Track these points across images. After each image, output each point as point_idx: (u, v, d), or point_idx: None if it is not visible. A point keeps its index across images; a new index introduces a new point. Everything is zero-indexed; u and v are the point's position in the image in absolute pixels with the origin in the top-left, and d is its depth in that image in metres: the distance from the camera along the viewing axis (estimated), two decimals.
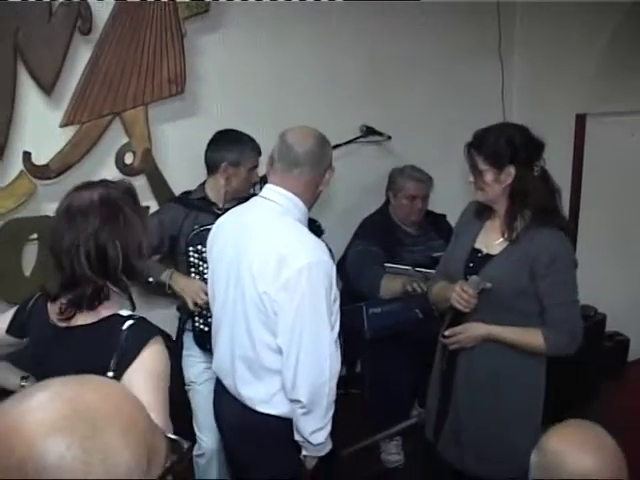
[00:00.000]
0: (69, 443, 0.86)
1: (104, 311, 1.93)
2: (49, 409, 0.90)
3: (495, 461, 2.71)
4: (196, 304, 3.24)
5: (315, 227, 3.45)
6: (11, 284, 3.56)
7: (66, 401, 0.91)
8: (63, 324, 1.97)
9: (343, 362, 3.49)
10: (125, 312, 1.92)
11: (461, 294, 2.65)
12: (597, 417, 4.09)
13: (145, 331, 1.86)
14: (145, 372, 1.80)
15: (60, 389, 0.94)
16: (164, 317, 3.77)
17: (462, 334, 2.71)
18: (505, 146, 2.59)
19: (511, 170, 2.59)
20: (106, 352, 1.82)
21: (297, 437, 2.50)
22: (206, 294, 3.09)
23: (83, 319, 1.94)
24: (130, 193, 2.00)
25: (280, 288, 2.39)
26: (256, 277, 2.46)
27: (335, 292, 2.49)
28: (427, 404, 3.04)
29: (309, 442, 2.48)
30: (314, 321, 2.40)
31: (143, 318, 1.91)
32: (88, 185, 2.00)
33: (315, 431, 2.46)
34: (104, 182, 2.03)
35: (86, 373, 1.73)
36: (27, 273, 3.61)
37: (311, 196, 2.59)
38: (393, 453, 4.00)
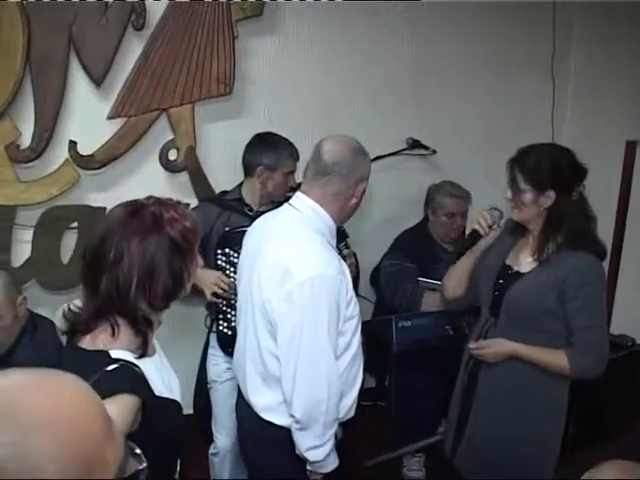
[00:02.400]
0: None
1: (99, 341, 1.78)
2: None
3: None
4: (215, 294, 3.21)
5: (339, 231, 3.44)
6: (48, 270, 3.64)
7: (7, 401, 0.88)
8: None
9: (371, 374, 3.42)
10: (118, 353, 1.74)
11: (485, 216, 2.77)
12: (629, 450, 4.04)
13: (114, 384, 1.63)
14: None
15: (10, 384, 0.91)
16: (193, 314, 3.80)
17: (487, 349, 2.68)
18: (549, 169, 2.54)
19: (551, 194, 2.55)
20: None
21: (297, 451, 2.43)
22: (225, 284, 3.15)
23: (82, 341, 1.82)
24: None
25: (282, 299, 2.34)
26: (262, 284, 2.42)
27: (352, 309, 2.43)
28: (448, 417, 3.01)
29: (306, 458, 2.42)
30: (313, 337, 2.32)
31: (126, 368, 1.71)
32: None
33: (311, 448, 2.38)
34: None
35: None
36: (65, 261, 3.65)
37: (339, 208, 2.48)
38: (414, 469, 3.96)
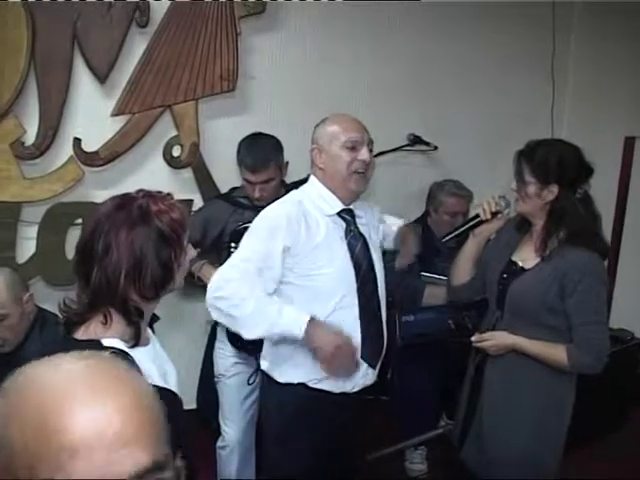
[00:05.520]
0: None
1: (92, 331, 1.79)
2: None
3: (515, 473, 2.70)
4: None
5: None
6: (53, 267, 3.65)
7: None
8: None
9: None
10: (109, 341, 1.75)
11: (490, 202, 2.81)
12: (628, 443, 4.08)
13: None
14: None
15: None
16: (193, 309, 3.84)
17: (488, 341, 2.73)
18: (554, 164, 2.58)
19: (554, 189, 2.58)
20: None
21: None
22: None
23: (76, 332, 1.82)
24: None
25: None
26: None
27: (301, 267, 2.64)
28: (457, 409, 3.05)
29: None
30: (243, 247, 2.65)
31: (121, 355, 1.65)
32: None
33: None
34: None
35: None
36: (69, 257, 3.68)
37: (323, 176, 2.72)
38: (417, 462, 3.98)
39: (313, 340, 2.51)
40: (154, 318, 2.07)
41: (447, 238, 3.02)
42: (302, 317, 2.51)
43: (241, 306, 2.51)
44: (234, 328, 2.59)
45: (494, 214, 2.82)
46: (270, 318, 2.50)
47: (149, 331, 1.99)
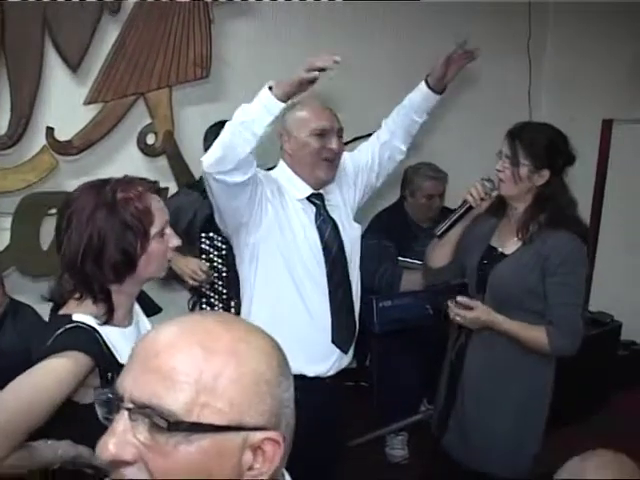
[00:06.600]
0: None
1: (67, 308, 1.85)
2: None
3: (497, 458, 2.70)
4: (194, 280, 3.29)
5: None
6: (28, 257, 3.62)
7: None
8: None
9: (353, 354, 3.50)
10: (79, 316, 1.81)
11: (478, 188, 2.73)
12: (607, 425, 4.09)
13: (65, 341, 1.73)
14: (28, 375, 1.70)
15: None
16: (176, 298, 3.81)
17: (472, 311, 2.68)
18: (550, 148, 2.59)
19: (546, 173, 2.59)
20: (41, 343, 1.76)
21: None
22: (203, 272, 3.25)
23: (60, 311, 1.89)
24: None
25: None
26: None
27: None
28: (436, 397, 3.04)
29: None
30: None
31: (81, 329, 1.77)
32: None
33: None
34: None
35: (28, 356, 1.72)
36: (45, 247, 3.64)
37: (291, 161, 2.71)
38: (398, 448, 3.99)
39: (285, 82, 2.50)
40: (155, 309, 2.12)
41: (441, 232, 2.87)
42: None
43: (216, 142, 2.49)
44: (232, 150, 2.46)
45: (481, 198, 2.79)
46: (238, 112, 2.50)
47: (141, 315, 2.03)
